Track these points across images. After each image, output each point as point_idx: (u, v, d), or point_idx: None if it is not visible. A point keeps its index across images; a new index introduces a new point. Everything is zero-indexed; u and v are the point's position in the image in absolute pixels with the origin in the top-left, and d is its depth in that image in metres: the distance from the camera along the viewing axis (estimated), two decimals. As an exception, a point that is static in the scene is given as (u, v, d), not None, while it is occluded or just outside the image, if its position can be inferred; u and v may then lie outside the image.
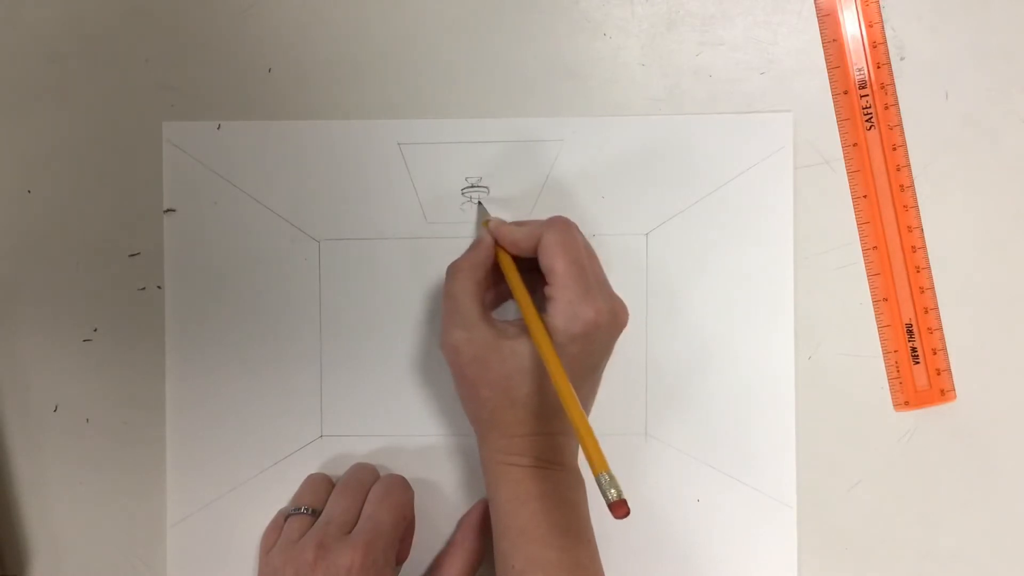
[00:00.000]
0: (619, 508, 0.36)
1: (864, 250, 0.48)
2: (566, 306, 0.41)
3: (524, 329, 0.42)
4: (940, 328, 0.48)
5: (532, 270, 0.43)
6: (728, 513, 0.48)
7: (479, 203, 0.47)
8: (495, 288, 0.46)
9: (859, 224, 0.48)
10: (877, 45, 0.48)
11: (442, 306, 0.44)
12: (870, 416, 0.48)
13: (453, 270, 0.44)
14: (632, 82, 0.48)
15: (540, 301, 0.42)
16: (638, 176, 0.48)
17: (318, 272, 0.48)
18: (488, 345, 0.42)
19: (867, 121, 0.48)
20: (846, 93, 0.48)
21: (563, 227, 0.43)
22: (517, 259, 0.44)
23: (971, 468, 0.48)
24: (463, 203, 0.48)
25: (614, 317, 0.42)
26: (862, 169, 0.48)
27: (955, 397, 0.48)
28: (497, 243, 0.45)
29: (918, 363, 0.48)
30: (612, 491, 0.36)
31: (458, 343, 0.42)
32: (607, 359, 0.44)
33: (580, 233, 0.44)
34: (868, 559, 0.48)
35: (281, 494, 0.48)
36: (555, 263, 0.41)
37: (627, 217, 0.48)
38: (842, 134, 0.48)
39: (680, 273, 0.48)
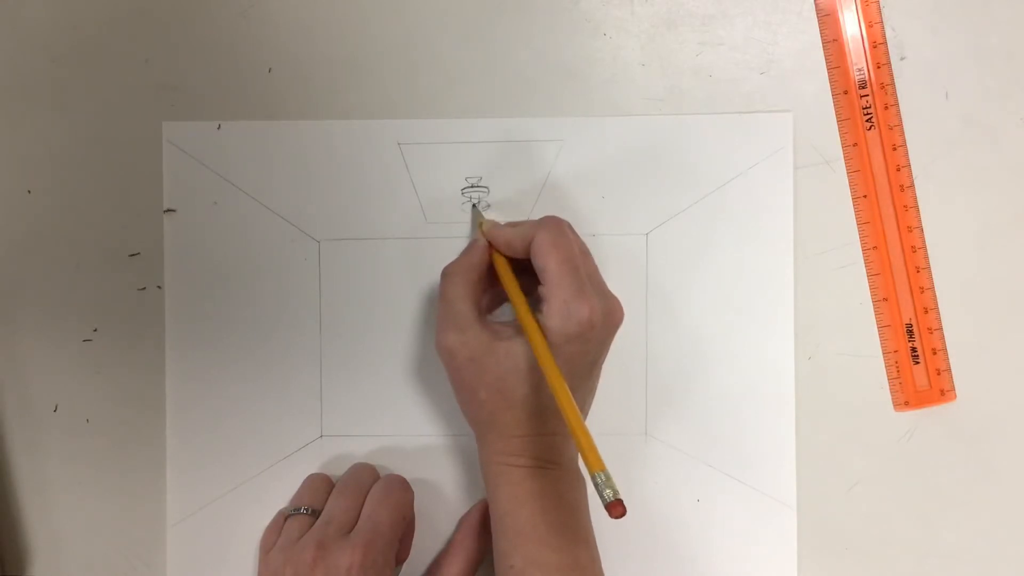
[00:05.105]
0: (615, 508, 0.36)
1: (864, 250, 0.48)
2: (560, 305, 0.41)
3: (520, 330, 0.42)
4: (940, 328, 0.48)
5: (528, 272, 0.43)
6: (728, 513, 0.48)
7: (473, 206, 0.47)
8: (492, 291, 0.46)
9: (859, 224, 0.48)
10: (877, 45, 0.48)
11: (437, 309, 0.44)
12: (870, 416, 0.48)
13: (447, 273, 0.44)
14: (632, 82, 0.48)
15: (536, 303, 0.42)
16: (638, 176, 0.48)
17: (318, 272, 0.48)
18: (483, 347, 0.42)
19: (867, 121, 0.48)
20: (846, 93, 0.48)
21: (555, 226, 0.42)
22: (513, 261, 0.44)
23: (971, 468, 0.48)
24: (463, 203, 0.48)
25: (609, 315, 0.42)
26: (862, 169, 0.48)
27: (955, 397, 0.48)
28: (492, 245, 0.45)
29: (918, 363, 0.48)
30: (608, 491, 0.36)
31: (453, 345, 0.42)
32: (604, 357, 0.44)
33: (573, 232, 0.44)
34: (868, 559, 0.48)
35: (281, 494, 0.48)
36: (548, 262, 0.41)
37: (627, 217, 0.48)
38: (842, 134, 0.48)
39: (680, 273, 0.48)
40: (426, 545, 0.48)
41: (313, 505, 0.45)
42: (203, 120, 0.48)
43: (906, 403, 0.48)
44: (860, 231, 0.48)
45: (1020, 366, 0.48)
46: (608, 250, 0.47)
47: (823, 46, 0.48)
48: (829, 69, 0.48)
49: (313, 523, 0.44)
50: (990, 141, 0.48)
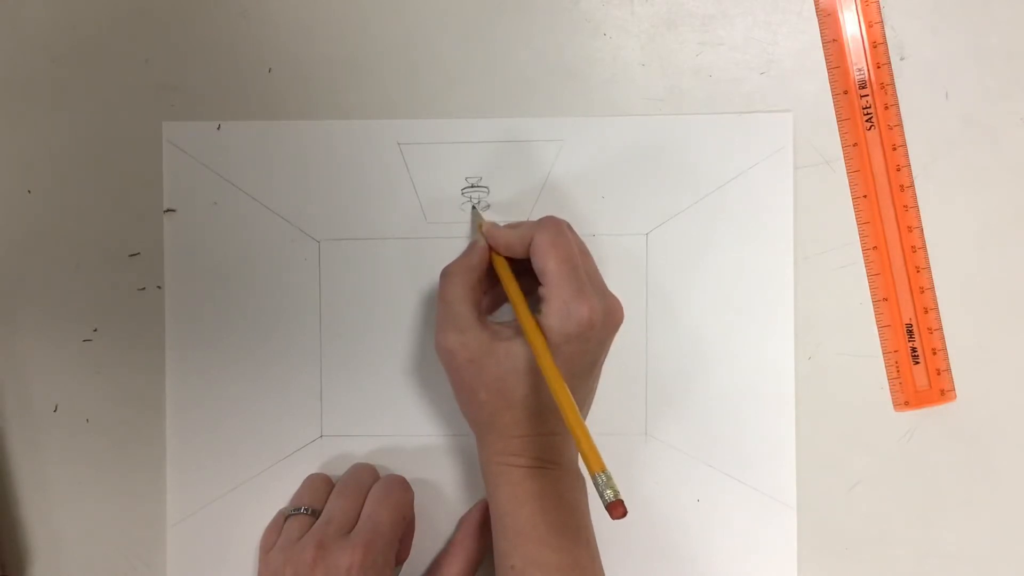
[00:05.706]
0: (616, 508, 0.36)
1: (864, 250, 0.48)
2: (560, 305, 0.41)
3: (519, 331, 0.42)
4: (940, 328, 0.48)
5: (528, 273, 0.43)
6: (728, 513, 0.48)
7: (473, 207, 0.48)
8: (492, 292, 0.46)
9: (859, 224, 0.48)
10: (877, 45, 0.48)
11: (436, 310, 0.44)
12: (870, 416, 0.48)
13: (446, 274, 0.44)
14: (632, 82, 0.48)
15: (536, 303, 0.42)
16: (638, 176, 0.48)
17: (318, 272, 0.48)
18: (483, 348, 0.42)
19: (867, 121, 0.48)
20: (846, 93, 0.48)
21: (554, 227, 0.43)
22: (513, 262, 0.44)
23: (971, 468, 0.48)
24: (463, 203, 0.48)
25: (609, 315, 0.42)
26: (862, 169, 0.48)
27: (955, 397, 0.48)
28: (491, 247, 0.45)
29: (918, 363, 0.48)
30: (609, 491, 0.36)
31: (453, 346, 0.42)
32: (604, 357, 0.44)
33: (572, 232, 0.44)
34: (868, 559, 0.48)
35: (281, 494, 0.48)
36: (547, 263, 0.41)
37: (627, 217, 0.48)
38: (842, 134, 0.48)
39: (680, 273, 0.48)
40: (426, 545, 0.48)
41: (313, 505, 0.45)
42: (203, 120, 0.48)
43: (906, 403, 0.48)
44: (860, 231, 0.48)
45: (1020, 366, 0.48)
46: (608, 250, 0.47)
47: (823, 46, 0.48)
48: (829, 69, 0.48)
49: (313, 523, 0.44)
50: (990, 141, 0.48)
